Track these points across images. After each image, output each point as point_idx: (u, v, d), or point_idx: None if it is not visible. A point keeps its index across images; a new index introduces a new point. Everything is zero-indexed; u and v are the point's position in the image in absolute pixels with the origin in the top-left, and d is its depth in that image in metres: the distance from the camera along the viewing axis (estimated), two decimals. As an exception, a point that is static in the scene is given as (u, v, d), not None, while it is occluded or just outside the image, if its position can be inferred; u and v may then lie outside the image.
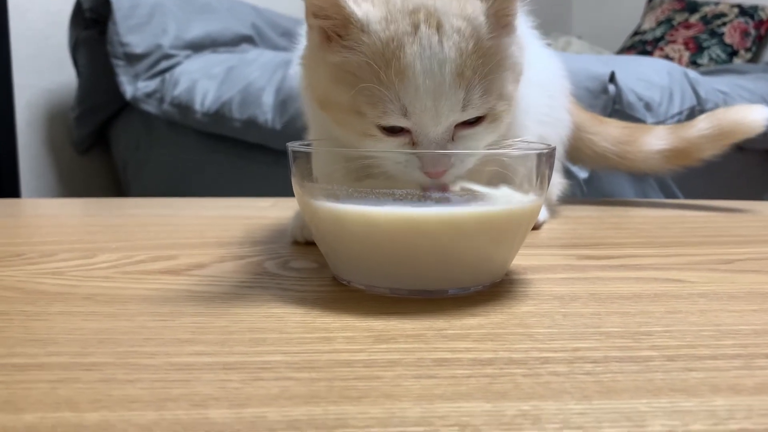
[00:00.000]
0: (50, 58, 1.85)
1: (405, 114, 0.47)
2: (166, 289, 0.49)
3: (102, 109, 1.85)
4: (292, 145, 0.50)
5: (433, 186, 0.48)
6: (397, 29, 0.47)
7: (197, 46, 1.79)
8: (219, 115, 1.56)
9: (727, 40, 2.83)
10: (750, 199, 0.96)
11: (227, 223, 0.76)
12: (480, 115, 0.48)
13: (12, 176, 1.73)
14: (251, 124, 1.52)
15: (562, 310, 0.45)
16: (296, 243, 0.64)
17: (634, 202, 0.92)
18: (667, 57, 2.86)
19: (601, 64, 1.39)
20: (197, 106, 1.59)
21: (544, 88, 0.67)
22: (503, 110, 0.50)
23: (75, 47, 1.80)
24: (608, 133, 0.87)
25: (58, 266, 0.56)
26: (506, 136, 0.57)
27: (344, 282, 0.50)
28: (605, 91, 1.31)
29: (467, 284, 0.48)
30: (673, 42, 2.92)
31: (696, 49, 2.86)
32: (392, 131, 0.48)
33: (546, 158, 0.47)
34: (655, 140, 0.86)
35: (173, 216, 0.81)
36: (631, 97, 1.38)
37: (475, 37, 0.47)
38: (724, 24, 2.86)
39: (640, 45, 2.98)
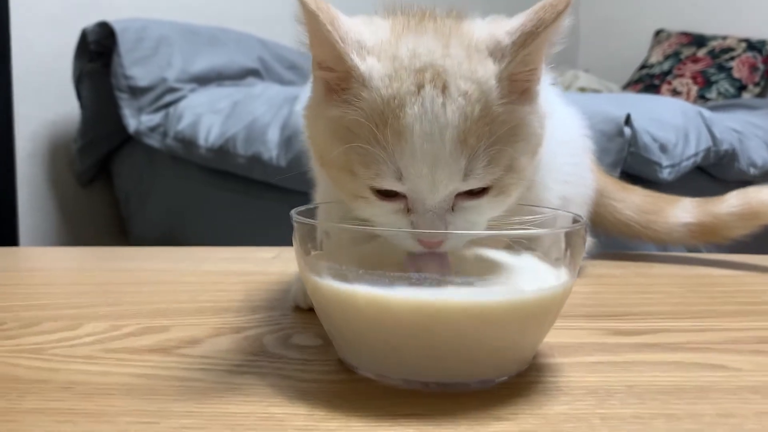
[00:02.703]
0: (54, 90, 1.82)
1: (399, 178, 0.43)
2: (154, 377, 0.44)
3: (105, 142, 1.82)
4: (295, 215, 0.45)
5: (430, 261, 0.44)
6: (400, 87, 0.43)
7: (202, 80, 1.76)
8: (223, 150, 1.53)
9: (736, 74, 2.80)
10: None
11: (226, 281, 0.71)
12: (483, 186, 0.44)
13: (10, 209, 1.69)
14: (256, 160, 1.49)
15: (600, 410, 0.40)
16: (298, 309, 0.59)
17: (656, 257, 0.86)
18: (674, 91, 2.83)
19: (616, 105, 1.35)
20: (201, 141, 1.55)
21: (568, 146, 0.63)
22: (511, 183, 0.45)
23: (79, 79, 1.78)
24: (632, 200, 0.82)
25: (38, 341, 0.51)
26: (527, 198, 0.52)
27: (351, 367, 0.45)
28: (621, 134, 1.27)
29: (491, 375, 0.43)
30: (681, 76, 2.89)
31: (704, 83, 2.83)
32: (386, 195, 0.44)
33: (581, 232, 0.43)
34: (681, 212, 0.81)
35: (169, 272, 0.76)
36: (646, 139, 1.33)
37: (483, 102, 0.43)
38: (732, 58, 2.84)
39: (647, 78, 2.95)
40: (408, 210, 0.44)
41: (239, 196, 1.57)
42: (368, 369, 0.44)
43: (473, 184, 0.43)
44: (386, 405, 0.40)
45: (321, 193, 0.59)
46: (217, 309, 0.60)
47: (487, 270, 0.44)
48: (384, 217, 0.45)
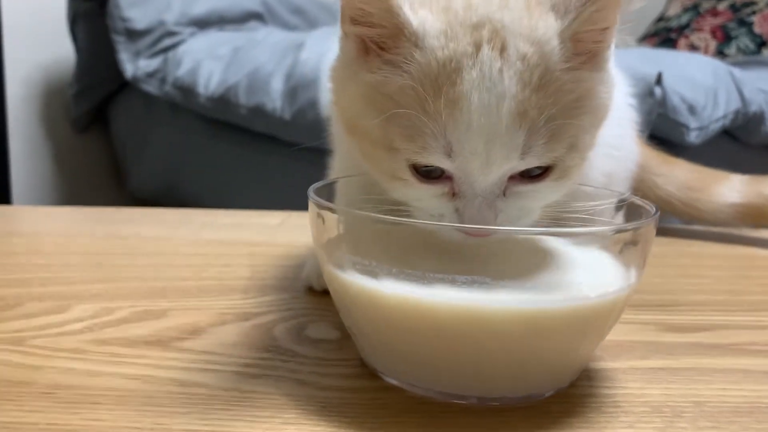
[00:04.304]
0: (48, 32, 1.73)
1: (449, 154, 0.36)
2: (150, 379, 0.38)
3: (101, 87, 1.74)
4: (312, 196, 0.39)
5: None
6: (457, 49, 0.36)
7: (203, 23, 1.67)
8: (224, 100, 1.45)
9: (757, 29, 2.67)
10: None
11: (229, 253, 0.65)
12: (543, 165, 0.37)
13: (2, 156, 1.62)
14: (258, 112, 1.41)
15: (669, 437, 0.34)
16: (311, 291, 0.53)
17: (697, 233, 0.79)
18: (692, 46, 2.71)
19: (647, 62, 1.27)
20: (201, 90, 1.48)
21: (613, 117, 0.55)
22: (574, 165, 0.39)
23: (74, 21, 1.68)
24: (675, 175, 0.75)
25: (19, 328, 0.45)
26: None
27: (375, 371, 0.39)
28: (651, 94, 1.19)
29: (540, 390, 0.37)
30: (699, 30, 2.77)
31: (723, 38, 2.71)
32: (428, 176, 0.38)
33: (654, 226, 0.36)
34: (729, 191, 0.74)
35: (168, 240, 0.70)
36: (675, 100, 1.25)
37: (543, 67, 0.36)
38: (754, 13, 2.71)
39: (664, 32, 2.84)
40: (453, 194, 0.37)
41: (240, 148, 1.51)
42: (396, 377, 0.38)
43: (531, 162, 0.36)
44: (420, 423, 0.34)
45: (340, 163, 0.52)
46: (221, 289, 0.54)
47: (542, 266, 0.37)
48: (423, 201, 0.38)
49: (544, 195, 0.38)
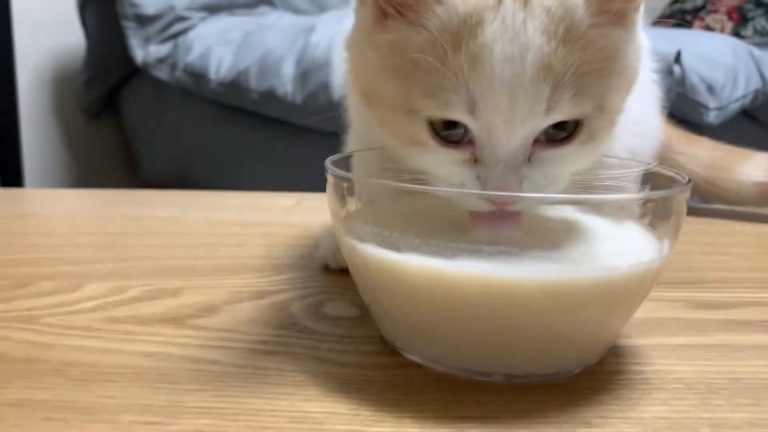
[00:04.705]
0: (57, 19, 1.72)
1: (472, 111, 0.34)
2: (163, 356, 0.37)
3: (112, 73, 1.73)
4: (329, 167, 0.37)
5: (497, 218, 0.35)
6: (478, 1, 0.34)
7: (213, 7, 1.65)
8: (235, 85, 1.44)
9: (774, 10, 2.63)
10: None
11: (243, 233, 0.64)
12: (569, 119, 0.35)
13: (13, 143, 1.62)
14: (269, 96, 1.40)
15: (706, 414, 0.32)
16: (327, 269, 0.52)
17: (717, 211, 0.77)
18: (707, 27, 2.67)
19: (666, 41, 1.24)
20: (212, 75, 1.47)
21: (639, 90, 0.53)
22: (602, 127, 0.37)
23: (83, 6, 1.68)
24: (697, 154, 0.73)
25: (31, 306, 0.44)
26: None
27: (396, 348, 0.38)
28: (670, 72, 1.17)
29: (568, 367, 0.36)
30: (715, 12, 2.72)
31: (740, 19, 2.66)
32: (448, 140, 0.36)
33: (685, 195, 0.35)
34: (754, 170, 0.72)
35: (179, 220, 0.69)
36: (694, 79, 1.23)
37: (568, 21, 0.34)
38: (772, -8, 2.66)
39: (678, 14, 2.78)
40: (475, 160, 0.36)
41: (252, 133, 1.50)
42: (417, 353, 0.37)
43: (557, 117, 0.35)
44: (444, 401, 0.33)
45: (356, 139, 0.51)
46: (235, 267, 0.53)
47: (570, 237, 0.36)
48: (445, 168, 0.37)
49: (571, 160, 0.37)
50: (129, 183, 1.80)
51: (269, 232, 0.63)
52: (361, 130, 0.50)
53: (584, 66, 0.34)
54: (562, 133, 0.36)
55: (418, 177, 0.38)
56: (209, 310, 0.44)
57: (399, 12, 0.36)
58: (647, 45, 0.56)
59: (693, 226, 0.72)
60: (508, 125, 0.34)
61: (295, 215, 0.72)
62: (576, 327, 0.34)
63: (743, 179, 0.72)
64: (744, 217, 0.75)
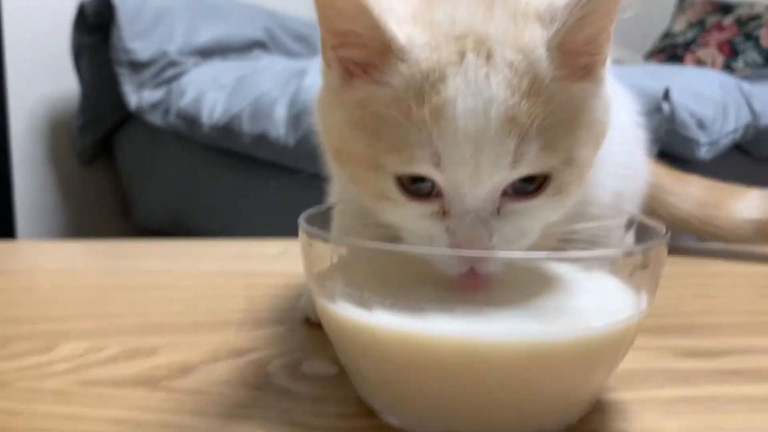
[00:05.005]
0: (52, 64, 1.74)
1: (437, 164, 0.34)
2: (135, 422, 0.36)
3: (106, 119, 1.74)
4: (302, 224, 0.37)
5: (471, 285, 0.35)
6: (440, 58, 0.34)
7: (206, 53, 1.67)
8: (228, 129, 1.45)
9: (764, 43, 2.66)
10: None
11: (227, 285, 0.63)
12: (536, 173, 0.35)
13: (5, 190, 1.62)
14: (262, 139, 1.40)
15: (691, 477, 0.31)
16: (309, 323, 0.51)
17: (710, 251, 0.77)
18: (699, 61, 2.69)
19: (653, 78, 1.25)
20: (205, 119, 1.47)
21: (621, 134, 0.53)
22: (571, 180, 0.37)
23: (78, 53, 1.69)
24: (689, 193, 0.73)
25: (4, 369, 0.43)
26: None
27: (373, 410, 0.37)
28: (659, 110, 1.17)
29: (549, 427, 0.35)
30: (706, 45, 2.76)
31: (730, 52, 2.69)
32: (416, 194, 0.36)
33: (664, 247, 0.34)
34: (747, 207, 0.72)
35: (165, 273, 0.68)
36: (683, 115, 1.23)
37: (531, 75, 0.34)
38: (760, 26, 2.70)
39: (670, 48, 2.82)
40: (444, 213, 0.36)
41: (245, 176, 1.50)
42: (395, 415, 0.36)
43: (524, 170, 0.35)
44: (421, 469, 0.32)
45: (338, 189, 0.51)
46: (215, 323, 0.52)
47: (545, 290, 0.35)
48: (414, 222, 0.37)
49: (540, 213, 0.36)
50: (123, 228, 1.80)
51: (253, 283, 0.63)
52: (340, 182, 0.50)
53: (550, 119, 0.34)
54: (531, 186, 0.35)
55: (398, 234, 0.38)
56: (185, 370, 0.43)
57: (364, 71, 0.37)
58: (623, 94, 0.56)
59: (685, 267, 0.71)
60: (474, 177, 0.34)
61: (282, 263, 0.71)
62: (555, 387, 0.33)
63: (737, 216, 0.72)
64: (738, 256, 0.74)
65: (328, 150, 0.42)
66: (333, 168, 0.51)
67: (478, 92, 0.34)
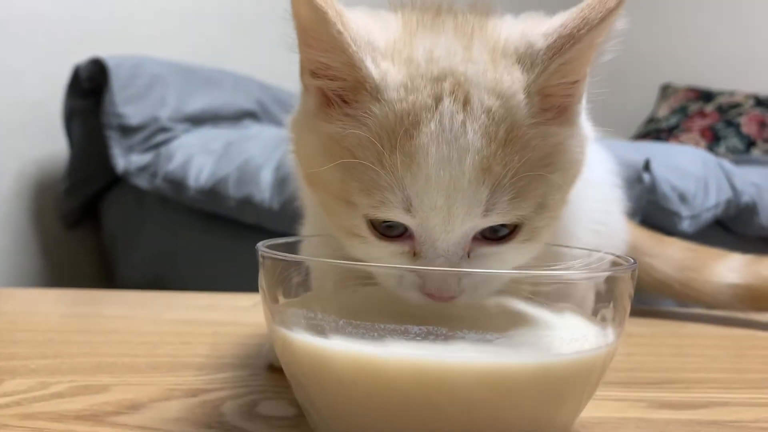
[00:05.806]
0: (44, 127, 1.75)
1: (408, 209, 0.34)
2: (69, 455, 0.34)
3: (93, 182, 1.74)
4: (262, 248, 0.36)
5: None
6: (416, 101, 0.34)
7: (197, 120, 1.69)
8: (213, 192, 1.44)
9: (744, 130, 2.73)
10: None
11: (192, 332, 0.61)
12: (507, 223, 0.35)
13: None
14: (247, 203, 1.40)
15: None
16: (272, 368, 0.49)
17: (688, 315, 0.75)
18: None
19: (634, 151, 1.27)
20: (191, 183, 1.47)
21: (599, 190, 0.53)
22: (543, 226, 0.36)
23: (69, 117, 1.71)
24: (669, 255, 0.71)
25: (-59, 402, 0.41)
26: (550, 249, 0.42)
27: (330, 448, 0.35)
28: (640, 180, 1.18)
29: (511, 464, 0.32)
30: (689, 131, 2.83)
31: (712, 138, 2.76)
32: (386, 235, 0.35)
33: (630, 278, 0.33)
34: (727, 271, 0.70)
35: (129, 318, 0.66)
36: (665, 188, 1.25)
37: (509, 122, 0.34)
38: (741, 114, 2.78)
39: (654, 132, 2.89)
40: (414, 254, 0.35)
41: (230, 241, 1.48)
42: (350, 451, 0.33)
43: (495, 220, 0.34)
44: (371, 505, 0.29)
45: (309, 227, 0.50)
46: (174, 365, 0.50)
47: (508, 321, 0.34)
48: (384, 261, 0.36)
49: (511, 257, 0.36)
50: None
51: (219, 331, 0.61)
52: (313, 218, 0.49)
53: (525, 166, 0.34)
54: (503, 230, 0.35)
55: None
56: (134, 407, 0.41)
57: (343, 99, 0.36)
58: (603, 154, 0.56)
59: (664, 328, 0.69)
60: (446, 224, 0.34)
61: (251, 315, 0.69)
62: (518, 419, 0.31)
63: (717, 280, 0.70)
64: (717, 320, 0.73)
65: (300, 172, 0.42)
66: (307, 202, 0.50)
67: (453, 140, 0.33)
